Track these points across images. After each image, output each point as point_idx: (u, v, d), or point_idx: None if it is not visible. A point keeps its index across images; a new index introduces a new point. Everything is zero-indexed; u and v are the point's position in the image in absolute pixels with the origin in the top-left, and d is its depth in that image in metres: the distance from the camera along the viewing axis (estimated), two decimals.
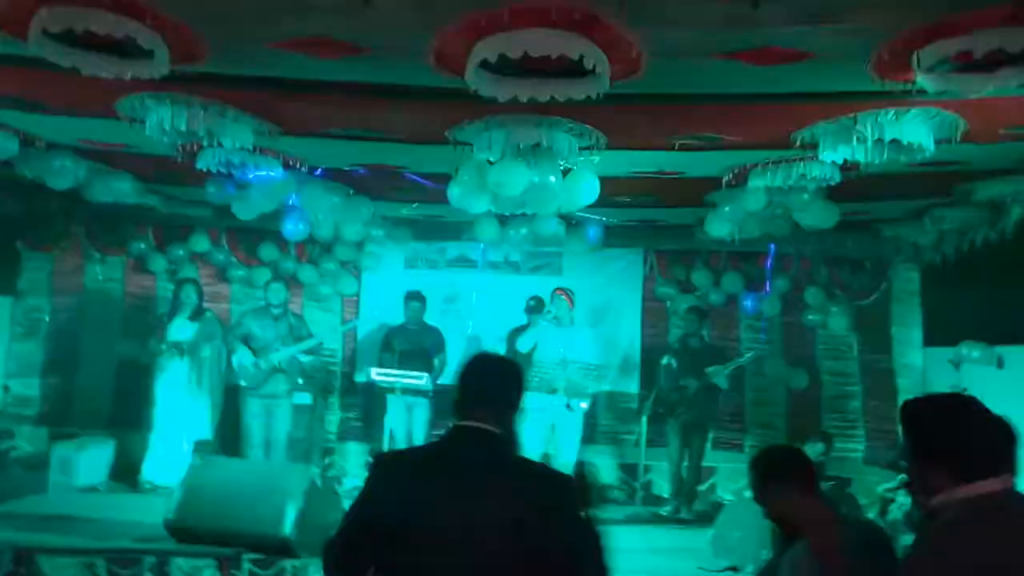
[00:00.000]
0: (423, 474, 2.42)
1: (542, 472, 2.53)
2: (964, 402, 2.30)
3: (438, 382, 7.87)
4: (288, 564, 5.20)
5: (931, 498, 2.20)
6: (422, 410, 8.07)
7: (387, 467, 2.57)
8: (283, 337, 7.76)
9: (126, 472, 7.98)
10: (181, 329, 7.97)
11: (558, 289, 7.75)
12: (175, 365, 7.90)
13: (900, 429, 2.35)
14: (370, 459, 8.80)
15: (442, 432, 2.65)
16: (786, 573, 2.76)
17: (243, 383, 7.65)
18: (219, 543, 5.27)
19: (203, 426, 7.98)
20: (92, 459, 7.98)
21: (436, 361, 8.19)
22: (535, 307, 8.12)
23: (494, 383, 2.55)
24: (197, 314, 8.08)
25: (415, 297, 8.50)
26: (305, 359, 8.10)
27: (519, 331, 7.94)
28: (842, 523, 2.76)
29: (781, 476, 2.92)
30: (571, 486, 2.46)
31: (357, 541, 2.43)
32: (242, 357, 7.64)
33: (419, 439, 8.09)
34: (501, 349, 8.21)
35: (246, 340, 7.70)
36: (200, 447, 7.89)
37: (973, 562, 2.03)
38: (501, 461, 2.45)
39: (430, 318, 8.61)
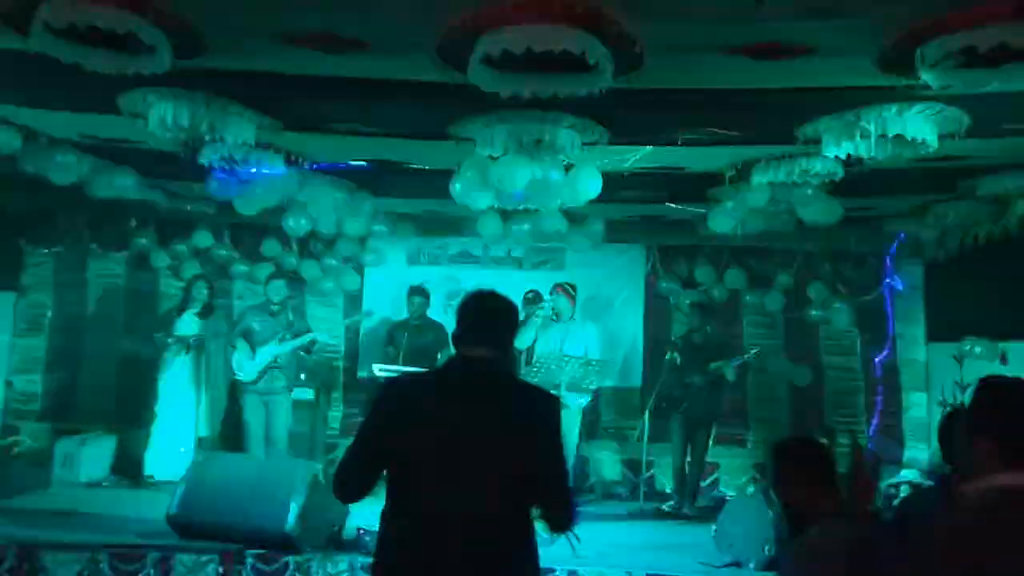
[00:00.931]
0: (425, 396, 2.73)
1: (531, 389, 2.90)
2: None
3: None
4: (291, 559, 5.20)
5: (968, 481, 2.17)
6: None
7: (392, 390, 2.83)
8: (281, 334, 7.75)
9: (129, 468, 7.99)
10: (189, 324, 7.96)
11: (558, 285, 7.73)
12: (179, 360, 7.91)
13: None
14: None
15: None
16: (790, 561, 2.76)
17: (241, 379, 7.65)
18: (222, 538, 5.27)
19: (205, 422, 7.98)
20: (95, 455, 8.01)
21: (440, 356, 8.18)
22: (532, 300, 8.12)
23: (489, 321, 2.80)
24: (207, 311, 8.07)
25: (419, 292, 8.49)
26: (307, 355, 8.09)
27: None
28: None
29: (797, 465, 2.91)
30: (555, 402, 2.84)
31: (365, 458, 2.72)
32: (240, 353, 7.64)
33: None
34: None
35: (246, 336, 7.70)
36: (203, 443, 7.91)
37: (996, 553, 2.02)
38: (494, 381, 2.75)
39: (433, 314, 8.61)
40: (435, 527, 2.56)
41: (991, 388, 2.30)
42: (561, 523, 2.76)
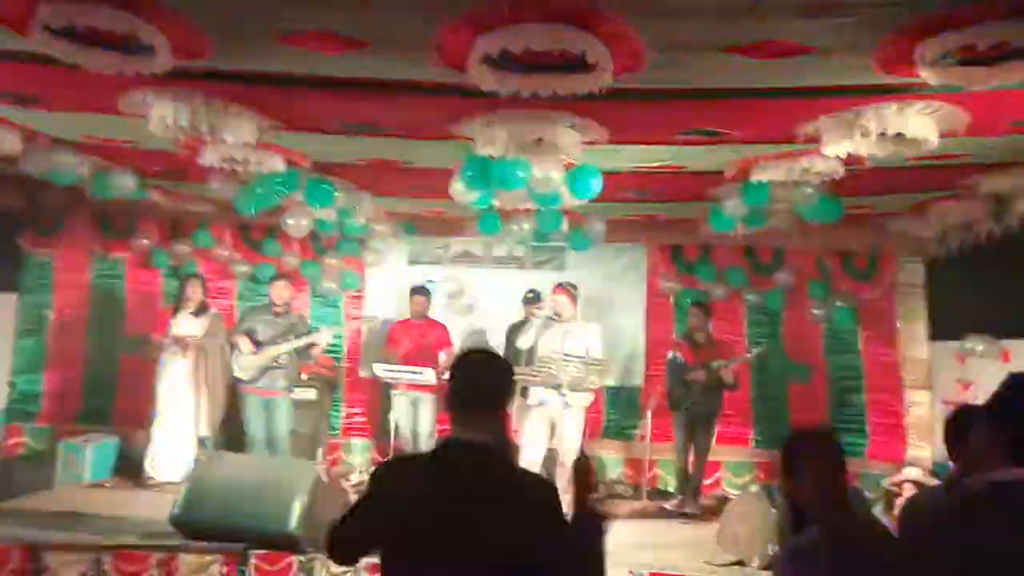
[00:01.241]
0: (417, 485, 2.53)
1: (527, 479, 2.63)
2: None
3: (444, 378, 7.87)
4: (294, 559, 5.21)
5: (972, 474, 2.18)
6: (427, 405, 8.11)
7: (384, 475, 2.68)
8: (283, 334, 7.76)
9: (130, 469, 8.01)
10: (184, 324, 7.98)
11: (559, 286, 7.74)
12: (176, 361, 7.91)
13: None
14: (375, 454, 8.85)
15: (446, 428, 2.76)
16: (786, 558, 2.76)
17: (242, 379, 7.66)
18: (225, 538, 5.28)
19: (205, 422, 7.98)
20: (98, 456, 8.02)
21: (442, 356, 8.21)
22: (532, 300, 8.13)
23: (482, 392, 2.62)
24: (201, 310, 8.09)
25: (420, 292, 8.51)
26: (309, 355, 8.10)
27: (518, 327, 7.94)
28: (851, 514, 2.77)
29: (804, 459, 2.90)
30: (555, 491, 2.54)
31: (354, 533, 2.61)
32: (242, 352, 7.65)
33: (424, 434, 8.11)
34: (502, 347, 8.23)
35: (247, 336, 7.70)
36: (205, 443, 7.92)
37: (994, 539, 2.02)
38: (489, 472, 2.54)
39: (434, 314, 8.63)
40: None
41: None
42: None
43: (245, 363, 7.58)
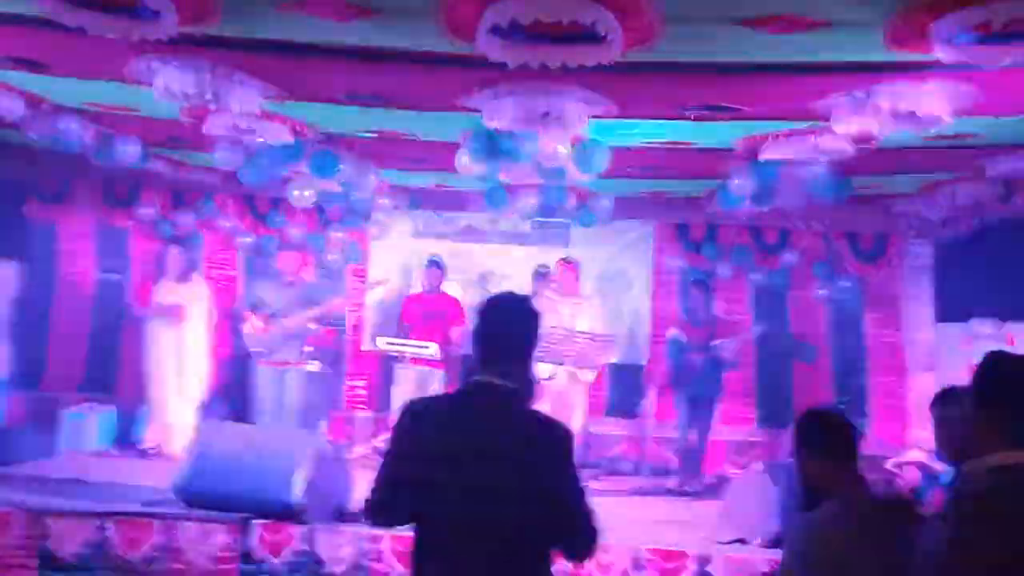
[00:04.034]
0: (443, 426, 2.56)
1: (543, 422, 2.64)
2: None
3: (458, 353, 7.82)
4: (297, 530, 5.22)
5: (974, 460, 2.16)
6: (433, 381, 8.03)
7: (412, 417, 2.66)
8: (294, 304, 7.73)
9: (132, 437, 8.03)
10: (168, 292, 7.95)
11: (561, 260, 7.69)
12: (164, 329, 7.88)
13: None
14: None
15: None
16: (800, 534, 2.76)
17: (254, 350, 7.64)
18: (227, 508, 5.29)
19: (197, 389, 7.98)
20: (100, 423, 8.04)
21: (453, 332, 8.15)
22: (544, 275, 8.09)
23: (505, 338, 2.64)
24: (184, 276, 8.05)
25: (434, 264, 8.45)
26: (318, 326, 8.08)
27: None
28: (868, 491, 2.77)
29: (815, 438, 2.90)
30: (568, 433, 2.58)
31: (389, 493, 2.60)
32: (253, 324, 7.62)
33: None
34: None
35: (258, 307, 7.68)
36: (207, 412, 7.93)
37: (1000, 533, 2.01)
38: (508, 414, 2.57)
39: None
40: (453, 558, 2.47)
41: (1000, 364, 2.29)
42: (580, 550, 2.60)
43: (257, 336, 7.56)
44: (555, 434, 2.56)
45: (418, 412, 2.68)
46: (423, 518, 2.54)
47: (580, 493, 2.54)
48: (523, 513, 2.45)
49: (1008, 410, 2.16)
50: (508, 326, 2.67)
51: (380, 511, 2.64)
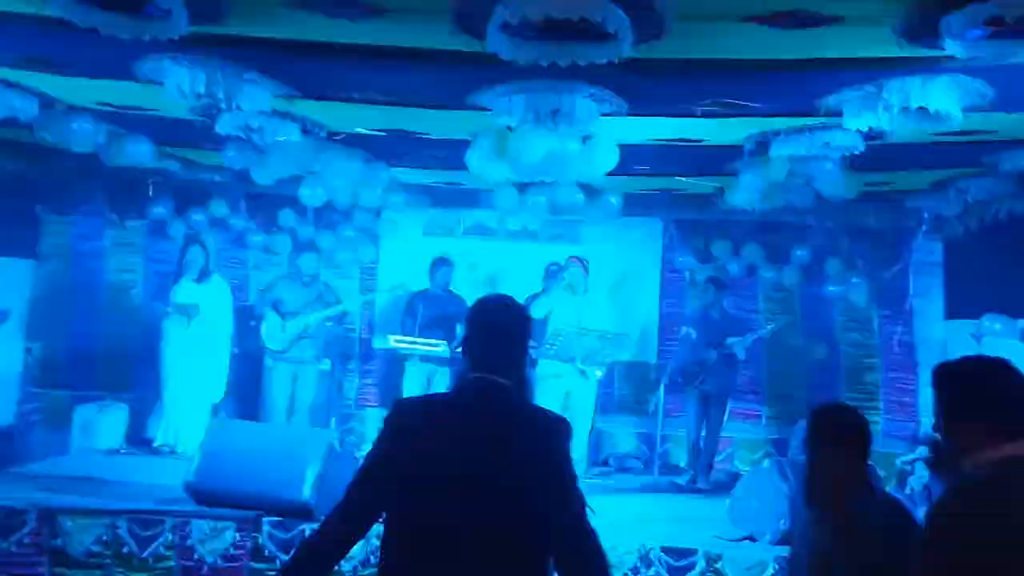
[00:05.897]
0: (436, 423, 2.54)
1: (549, 417, 2.63)
2: (1001, 361, 2.28)
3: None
4: (308, 527, 5.24)
5: (962, 459, 2.17)
6: (443, 379, 8.07)
7: (403, 415, 2.63)
8: (312, 303, 7.76)
9: (140, 436, 8.05)
10: (187, 292, 7.96)
11: (572, 258, 7.70)
12: (182, 328, 7.90)
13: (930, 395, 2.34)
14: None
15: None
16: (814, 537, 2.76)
17: (271, 348, 7.65)
18: (239, 506, 5.32)
19: (215, 390, 8.00)
20: (112, 422, 8.07)
21: (459, 329, 8.16)
22: (556, 273, 8.10)
23: (496, 338, 2.61)
24: (203, 276, 8.06)
25: (443, 262, 8.45)
26: (334, 325, 8.10)
27: (534, 297, 7.91)
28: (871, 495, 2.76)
29: (827, 436, 2.89)
30: (567, 425, 2.59)
31: (368, 487, 2.56)
32: (270, 323, 7.65)
33: None
34: None
35: (275, 306, 7.71)
36: (219, 411, 7.95)
37: (1000, 521, 2.01)
38: (506, 408, 2.57)
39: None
40: (439, 560, 2.40)
41: (970, 367, 2.32)
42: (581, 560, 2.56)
43: (276, 335, 7.57)
44: (554, 425, 2.57)
45: (410, 411, 2.67)
46: (411, 517, 2.48)
47: (574, 478, 2.54)
48: (522, 512, 2.43)
49: (985, 411, 2.18)
50: (499, 327, 2.64)
51: (349, 508, 2.57)
